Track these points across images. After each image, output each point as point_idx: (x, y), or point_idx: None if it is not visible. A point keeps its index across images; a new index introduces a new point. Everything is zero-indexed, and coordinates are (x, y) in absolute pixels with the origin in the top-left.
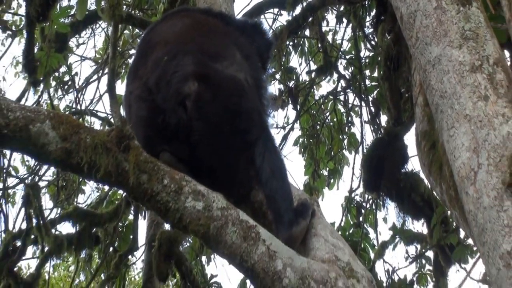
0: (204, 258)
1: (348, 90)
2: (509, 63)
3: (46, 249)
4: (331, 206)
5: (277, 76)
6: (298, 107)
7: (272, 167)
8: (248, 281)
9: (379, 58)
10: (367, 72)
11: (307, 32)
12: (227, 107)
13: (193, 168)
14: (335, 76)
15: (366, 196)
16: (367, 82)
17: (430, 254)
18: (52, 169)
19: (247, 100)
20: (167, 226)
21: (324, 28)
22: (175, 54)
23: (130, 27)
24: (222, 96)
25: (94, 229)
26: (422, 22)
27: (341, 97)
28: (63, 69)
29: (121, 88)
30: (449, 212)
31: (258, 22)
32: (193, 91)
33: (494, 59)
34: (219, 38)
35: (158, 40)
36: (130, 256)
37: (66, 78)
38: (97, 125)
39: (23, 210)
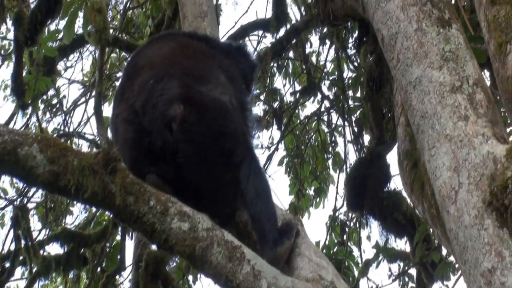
0: (190, 278)
1: (332, 111)
2: (488, 84)
3: (34, 269)
4: (316, 225)
5: (262, 97)
6: (283, 127)
7: (257, 188)
8: None
9: (361, 79)
10: (350, 93)
11: (291, 54)
12: (212, 129)
13: (179, 189)
14: (319, 96)
15: (350, 214)
16: (350, 102)
17: (413, 271)
18: (41, 191)
19: (232, 122)
20: (154, 246)
21: (307, 50)
22: (161, 77)
23: (117, 50)
24: (207, 118)
25: (82, 250)
26: (403, 44)
27: (325, 117)
28: (51, 92)
29: (108, 110)
30: (431, 230)
31: (242, 45)
32: (178, 114)
33: (474, 79)
34: (204, 61)
35: (144, 64)
36: (117, 276)
37: (54, 101)
38: (85, 147)
39: (12, 231)
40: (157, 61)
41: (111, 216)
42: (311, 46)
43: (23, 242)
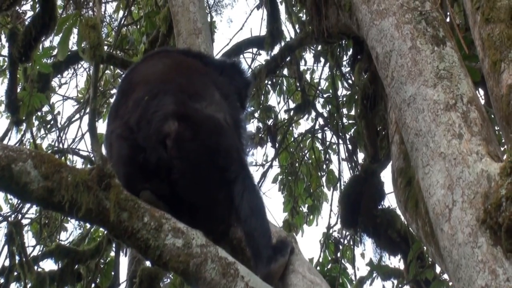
0: None
1: (326, 128)
2: (483, 102)
3: (29, 286)
4: (309, 242)
5: (256, 115)
6: (277, 145)
7: (251, 205)
8: None
9: (356, 97)
10: (345, 111)
11: (285, 71)
12: (206, 146)
13: (173, 205)
14: (313, 114)
15: (344, 232)
16: (345, 120)
17: None
18: (35, 206)
19: (226, 139)
20: (148, 263)
21: (302, 67)
22: (156, 94)
23: (112, 67)
24: (202, 135)
25: (76, 266)
26: (397, 61)
27: (319, 135)
28: (45, 108)
29: (102, 127)
30: (425, 248)
31: (236, 62)
32: (173, 130)
33: (468, 97)
34: (198, 78)
35: (139, 80)
36: None
37: (49, 117)
38: (79, 163)
39: (6, 247)
40: (152, 78)
41: (105, 232)
42: (305, 64)
43: (17, 258)
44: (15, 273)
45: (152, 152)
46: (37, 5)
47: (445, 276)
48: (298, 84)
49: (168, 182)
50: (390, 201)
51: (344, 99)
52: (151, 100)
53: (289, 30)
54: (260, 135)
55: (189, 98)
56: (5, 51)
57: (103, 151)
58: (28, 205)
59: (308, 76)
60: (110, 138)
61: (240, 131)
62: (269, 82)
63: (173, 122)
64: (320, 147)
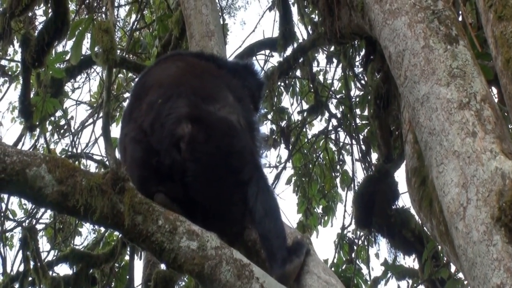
0: None
1: (339, 129)
2: (496, 100)
3: None
4: (324, 243)
5: (269, 116)
6: (290, 146)
7: (265, 206)
8: None
9: (369, 97)
10: (358, 111)
11: (298, 73)
12: (220, 148)
13: (188, 208)
14: (326, 115)
15: (358, 232)
16: (358, 120)
17: None
18: (49, 212)
19: (240, 141)
20: (162, 266)
21: (314, 68)
22: (169, 97)
23: (124, 70)
24: (215, 137)
25: (91, 270)
26: (410, 61)
27: (332, 136)
28: (59, 113)
29: (116, 131)
30: (439, 247)
31: (249, 63)
32: (187, 133)
33: (482, 96)
34: (211, 81)
35: (152, 83)
36: None
37: (62, 122)
38: (92, 167)
39: (20, 252)
40: (165, 81)
41: (119, 236)
42: (318, 65)
43: (32, 263)
44: (30, 278)
45: (166, 155)
46: (50, 10)
47: (460, 275)
48: (311, 85)
49: (182, 185)
50: (404, 200)
51: (357, 99)
52: (164, 103)
53: (301, 32)
54: (273, 136)
55: (202, 101)
56: (18, 57)
57: (117, 154)
58: (42, 210)
59: (321, 77)
60: (124, 141)
61: (253, 133)
62: (282, 84)
63: (186, 124)
64: (334, 148)
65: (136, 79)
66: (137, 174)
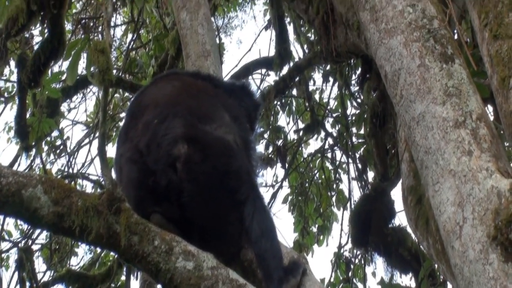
0: None
1: (336, 148)
2: (492, 118)
3: None
4: (320, 262)
5: (266, 135)
6: (287, 165)
7: (262, 226)
8: None
9: (365, 116)
10: (354, 130)
11: (294, 92)
12: (216, 168)
13: (184, 228)
14: (323, 134)
15: (355, 251)
16: (354, 139)
17: None
18: (45, 232)
19: (236, 160)
20: (159, 286)
21: (311, 87)
22: (165, 117)
23: (120, 90)
24: (212, 157)
25: None
26: (406, 79)
27: (329, 155)
28: (55, 133)
29: (112, 151)
30: (436, 265)
31: (245, 84)
32: (183, 153)
33: (477, 114)
34: (208, 100)
35: (148, 103)
36: None
37: (58, 142)
38: (89, 188)
39: (16, 273)
40: (161, 101)
41: (115, 256)
42: (314, 84)
43: (28, 284)
44: None
45: (162, 175)
46: (46, 30)
47: None
48: (307, 104)
49: (178, 205)
50: (401, 219)
51: (354, 118)
52: (160, 123)
53: (297, 51)
54: (269, 155)
55: (198, 121)
56: (14, 77)
57: (113, 175)
58: (38, 231)
59: (317, 96)
60: (120, 161)
61: (250, 153)
62: (278, 103)
63: (182, 145)
64: (330, 167)
65: (132, 98)
66: (133, 194)
